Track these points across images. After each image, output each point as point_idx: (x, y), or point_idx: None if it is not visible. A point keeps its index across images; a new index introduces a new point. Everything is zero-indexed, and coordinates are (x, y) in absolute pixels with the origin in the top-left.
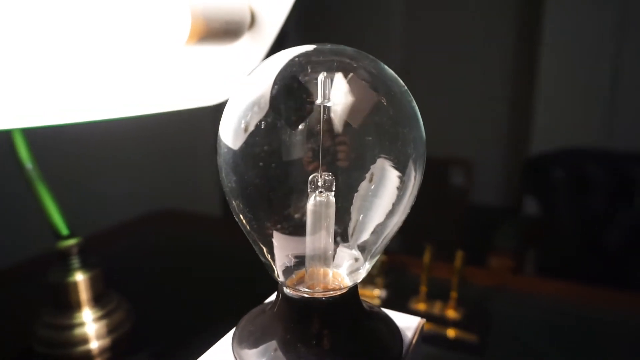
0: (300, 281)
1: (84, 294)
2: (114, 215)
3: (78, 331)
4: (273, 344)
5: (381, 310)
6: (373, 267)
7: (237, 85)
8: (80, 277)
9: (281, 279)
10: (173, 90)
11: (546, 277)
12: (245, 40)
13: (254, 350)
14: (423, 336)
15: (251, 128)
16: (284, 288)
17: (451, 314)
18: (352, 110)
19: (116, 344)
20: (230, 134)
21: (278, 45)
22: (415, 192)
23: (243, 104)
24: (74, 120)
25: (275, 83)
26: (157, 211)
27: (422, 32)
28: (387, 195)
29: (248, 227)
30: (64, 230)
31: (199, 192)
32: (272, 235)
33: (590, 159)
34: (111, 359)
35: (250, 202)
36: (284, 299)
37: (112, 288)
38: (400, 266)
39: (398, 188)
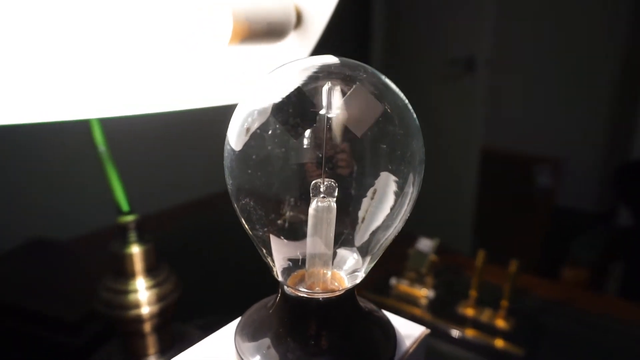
0: (302, 280)
1: (138, 264)
2: (173, 198)
3: (132, 296)
4: (267, 341)
5: (382, 314)
6: (423, 266)
7: (252, 87)
8: (135, 250)
9: (280, 279)
10: (219, 87)
11: (627, 298)
12: (292, 38)
13: (251, 344)
14: (465, 342)
15: (251, 132)
16: (284, 287)
17: (500, 323)
18: (356, 121)
19: (163, 312)
20: (234, 135)
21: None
22: (415, 197)
23: (248, 107)
24: (140, 112)
25: (280, 90)
26: (217, 193)
27: (517, 19)
28: (386, 201)
29: (247, 229)
30: (125, 206)
31: None
32: (269, 239)
33: None
34: (158, 324)
35: (247, 206)
36: (283, 297)
37: (163, 262)
38: (458, 267)
39: (397, 194)
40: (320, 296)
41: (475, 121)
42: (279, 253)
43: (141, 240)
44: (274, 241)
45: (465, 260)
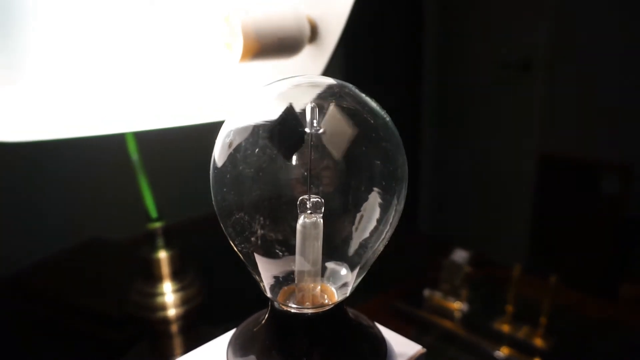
0: (292, 294)
1: (165, 268)
2: (201, 206)
3: (159, 299)
4: (254, 355)
5: (375, 329)
6: (457, 278)
7: (236, 106)
8: (163, 255)
9: (269, 295)
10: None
11: None
12: (308, 51)
13: (240, 358)
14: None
15: (234, 149)
16: (274, 303)
17: (538, 342)
18: (339, 138)
19: (188, 314)
20: (217, 152)
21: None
22: (400, 209)
23: (232, 125)
24: (167, 125)
25: (264, 109)
26: None
27: (578, 15)
28: (373, 214)
29: (233, 246)
30: (153, 213)
31: None
32: (254, 257)
33: None
34: (183, 326)
35: (232, 223)
36: (272, 312)
37: (189, 267)
38: (497, 280)
39: (382, 207)
40: (309, 311)
41: (531, 125)
42: (266, 270)
43: (168, 245)
44: (260, 259)
45: (505, 272)
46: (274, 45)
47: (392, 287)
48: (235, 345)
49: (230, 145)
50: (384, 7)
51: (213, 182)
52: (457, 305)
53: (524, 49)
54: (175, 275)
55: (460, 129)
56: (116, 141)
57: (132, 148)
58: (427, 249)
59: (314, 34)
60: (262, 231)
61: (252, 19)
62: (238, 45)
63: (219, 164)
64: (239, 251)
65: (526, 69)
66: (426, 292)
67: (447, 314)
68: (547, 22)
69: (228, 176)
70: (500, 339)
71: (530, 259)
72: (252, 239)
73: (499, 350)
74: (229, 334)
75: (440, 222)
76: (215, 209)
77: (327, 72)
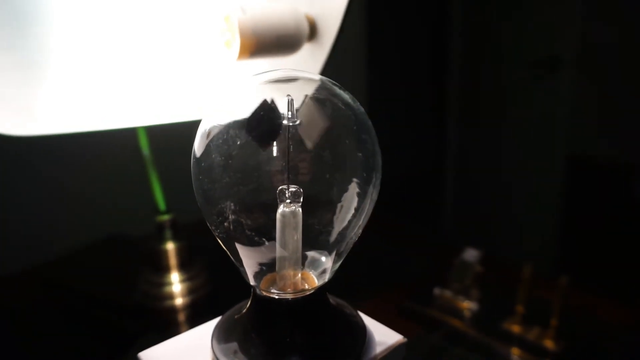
0: (274, 282)
1: (173, 259)
2: None
3: (167, 288)
4: (236, 341)
5: (357, 317)
6: (466, 277)
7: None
8: (170, 246)
9: (252, 282)
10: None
11: None
12: (307, 49)
13: (222, 346)
14: None
15: (212, 139)
16: (256, 289)
17: (549, 344)
18: (308, 132)
19: (194, 303)
20: (197, 143)
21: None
22: (375, 198)
23: (212, 117)
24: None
25: (243, 102)
26: None
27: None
28: (349, 202)
29: (215, 235)
30: (162, 206)
31: None
32: (234, 245)
33: None
34: (190, 315)
35: (213, 212)
36: (255, 298)
37: (195, 258)
38: (509, 281)
39: (359, 195)
40: (290, 296)
41: (561, 125)
42: (248, 258)
43: (175, 237)
44: (242, 248)
45: (516, 273)
46: (272, 43)
47: (402, 285)
48: (220, 331)
49: (208, 136)
50: (410, 5)
51: (193, 172)
52: (467, 305)
53: (553, 47)
54: (182, 266)
55: (484, 128)
56: (128, 136)
57: (143, 143)
58: (443, 247)
59: (312, 32)
60: (242, 220)
61: (249, 17)
62: (236, 43)
63: (198, 153)
64: (220, 240)
65: (555, 68)
66: (436, 291)
67: (457, 313)
68: (578, 20)
69: (203, 164)
70: (510, 340)
71: (548, 259)
72: (232, 228)
73: (510, 352)
74: (216, 320)
75: (460, 220)
76: (197, 198)
77: (327, 70)
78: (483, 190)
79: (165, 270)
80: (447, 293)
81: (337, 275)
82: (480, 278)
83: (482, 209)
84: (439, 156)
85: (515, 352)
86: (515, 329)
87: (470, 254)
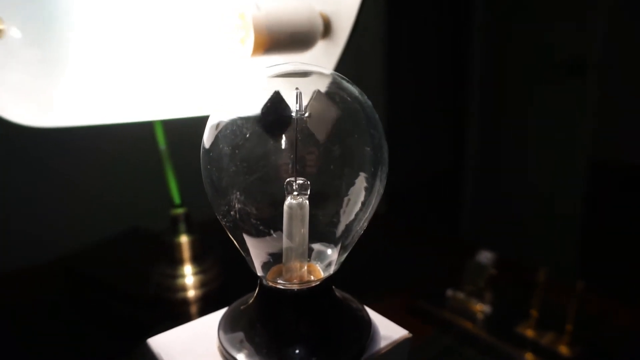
0: (280, 273)
1: (186, 252)
2: None
3: (180, 280)
4: (242, 331)
5: (362, 311)
6: (480, 279)
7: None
8: (184, 239)
9: (260, 273)
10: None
11: None
12: (321, 46)
13: (228, 335)
14: None
15: (221, 131)
16: (263, 280)
17: (563, 350)
18: (318, 125)
19: (206, 296)
20: (207, 134)
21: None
22: (381, 191)
23: (222, 109)
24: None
25: (252, 95)
26: None
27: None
28: (357, 196)
29: (223, 226)
30: (177, 199)
31: None
32: (242, 235)
33: None
34: (202, 307)
35: (222, 203)
36: (261, 289)
37: (208, 251)
38: (527, 284)
39: (366, 189)
40: (296, 287)
41: (584, 129)
42: (255, 248)
43: (189, 231)
44: (249, 239)
45: (532, 276)
46: (286, 40)
47: (415, 284)
48: (226, 320)
49: (217, 127)
50: (432, 3)
51: (202, 162)
52: (479, 307)
53: (577, 49)
54: (195, 259)
55: (506, 129)
56: (145, 130)
57: (160, 137)
58: (459, 248)
59: (326, 29)
60: (248, 210)
61: (264, 14)
62: (250, 40)
63: (207, 144)
64: (227, 229)
65: (579, 70)
66: (449, 292)
67: (469, 315)
68: (602, 21)
69: (212, 154)
70: (524, 344)
71: (566, 263)
72: (239, 217)
73: (524, 356)
74: (224, 310)
75: (478, 221)
76: (205, 187)
77: (344, 67)
78: (502, 191)
79: (179, 262)
80: (460, 295)
81: (349, 272)
82: (494, 280)
83: (500, 211)
84: (459, 156)
85: (528, 357)
86: (529, 333)
87: (484, 256)
